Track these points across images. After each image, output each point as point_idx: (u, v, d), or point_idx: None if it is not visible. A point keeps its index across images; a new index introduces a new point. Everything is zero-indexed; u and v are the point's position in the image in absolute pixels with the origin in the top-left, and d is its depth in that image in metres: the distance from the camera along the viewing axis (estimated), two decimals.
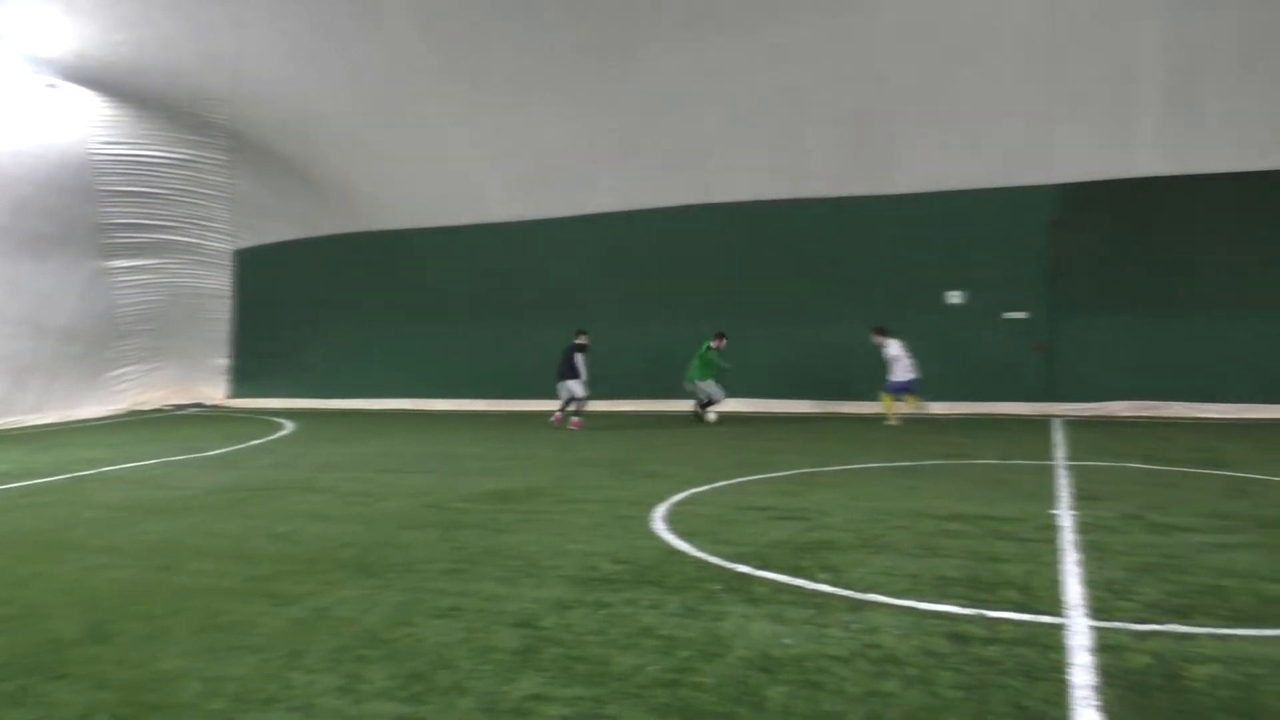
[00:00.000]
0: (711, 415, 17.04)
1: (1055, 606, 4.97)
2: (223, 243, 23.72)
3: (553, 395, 17.37)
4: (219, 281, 24.06)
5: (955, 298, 17.55)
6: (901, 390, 15.97)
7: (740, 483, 9.57)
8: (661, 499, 8.54)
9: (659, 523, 7.44)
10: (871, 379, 16.68)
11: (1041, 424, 15.19)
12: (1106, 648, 4.30)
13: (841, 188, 18.02)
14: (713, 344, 17.02)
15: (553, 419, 16.89)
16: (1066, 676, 3.96)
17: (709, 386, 17.05)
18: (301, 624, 4.97)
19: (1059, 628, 4.61)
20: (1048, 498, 8.35)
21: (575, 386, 16.63)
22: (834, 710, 3.67)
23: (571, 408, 16.76)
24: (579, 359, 16.63)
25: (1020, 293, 17.24)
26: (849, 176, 17.90)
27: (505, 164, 20.00)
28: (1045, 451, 11.74)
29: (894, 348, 15.92)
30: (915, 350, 16.13)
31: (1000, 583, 5.46)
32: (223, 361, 24.58)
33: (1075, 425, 15.07)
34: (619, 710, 3.72)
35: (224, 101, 20.24)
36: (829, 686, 3.91)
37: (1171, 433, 13.89)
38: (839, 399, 18.19)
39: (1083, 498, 8.31)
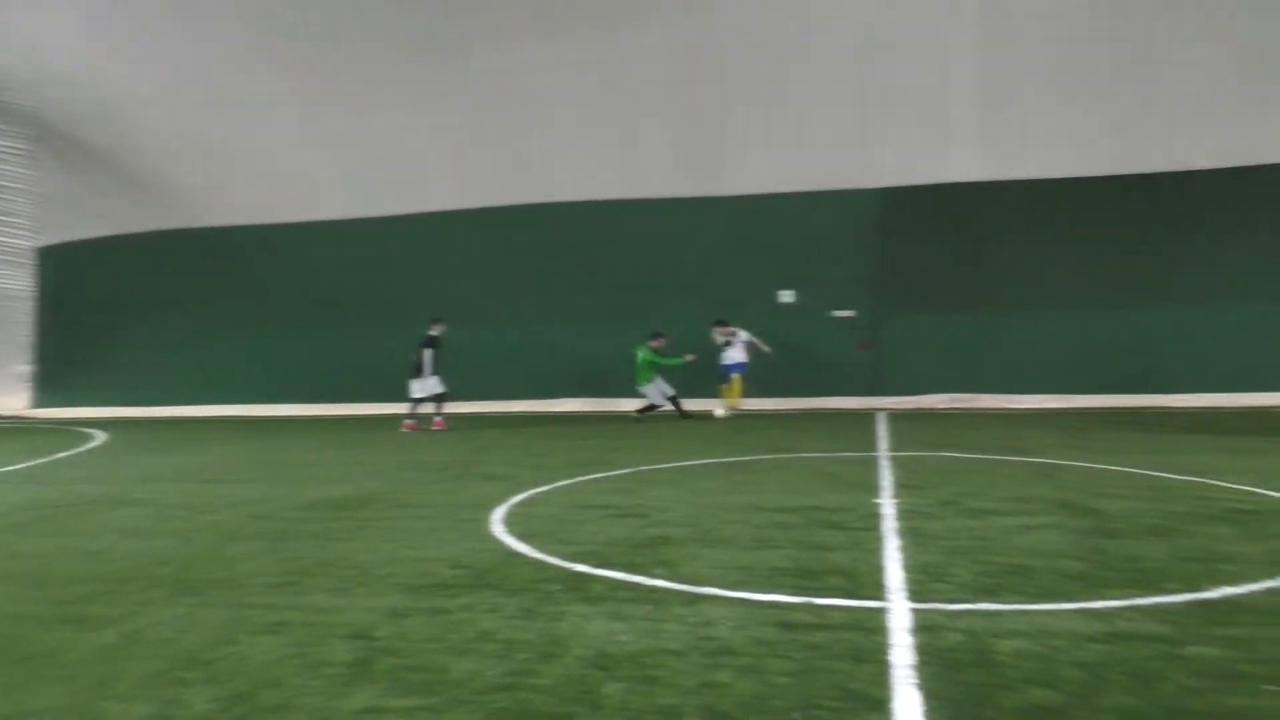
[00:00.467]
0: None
1: (878, 591, 5.21)
2: (24, 239, 21.97)
3: (394, 397, 16.95)
4: (20, 281, 22.26)
5: (786, 296, 18.18)
6: (738, 371, 16.58)
7: (579, 482, 9.60)
8: (501, 501, 8.46)
9: (498, 525, 7.37)
10: (714, 375, 17.11)
11: (867, 417, 15.92)
12: (924, 628, 4.54)
13: (677, 188, 18.39)
14: (652, 344, 16.63)
15: (433, 424, 16.28)
16: (888, 657, 4.16)
17: (651, 389, 16.65)
18: (113, 649, 4.66)
19: (882, 611, 4.84)
20: (872, 487, 8.76)
21: (419, 385, 16.10)
22: (670, 703, 3.73)
23: (419, 409, 16.28)
24: (426, 355, 16.01)
25: (848, 291, 18.04)
26: (684, 177, 18.29)
27: (339, 159, 19.40)
28: (870, 443, 12.32)
29: (744, 334, 16.63)
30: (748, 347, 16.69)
31: (828, 570, 5.69)
32: (24, 368, 22.76)
33: (897, 418, 15.87)
34: (456, 718, 3.66)
35: (22, 85, 18.76)
36: (665, 680, 3.97)
37: (983, 423, 14.83)
38: (678, 396, 18.50)
39: (903, 486, 8.76)
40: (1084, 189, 17.12)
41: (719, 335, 16.78)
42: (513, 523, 7.47)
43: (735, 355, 16.73)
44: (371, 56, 17.62)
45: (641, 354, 16.59)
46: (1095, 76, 16.06)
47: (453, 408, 18.04)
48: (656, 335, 16.73)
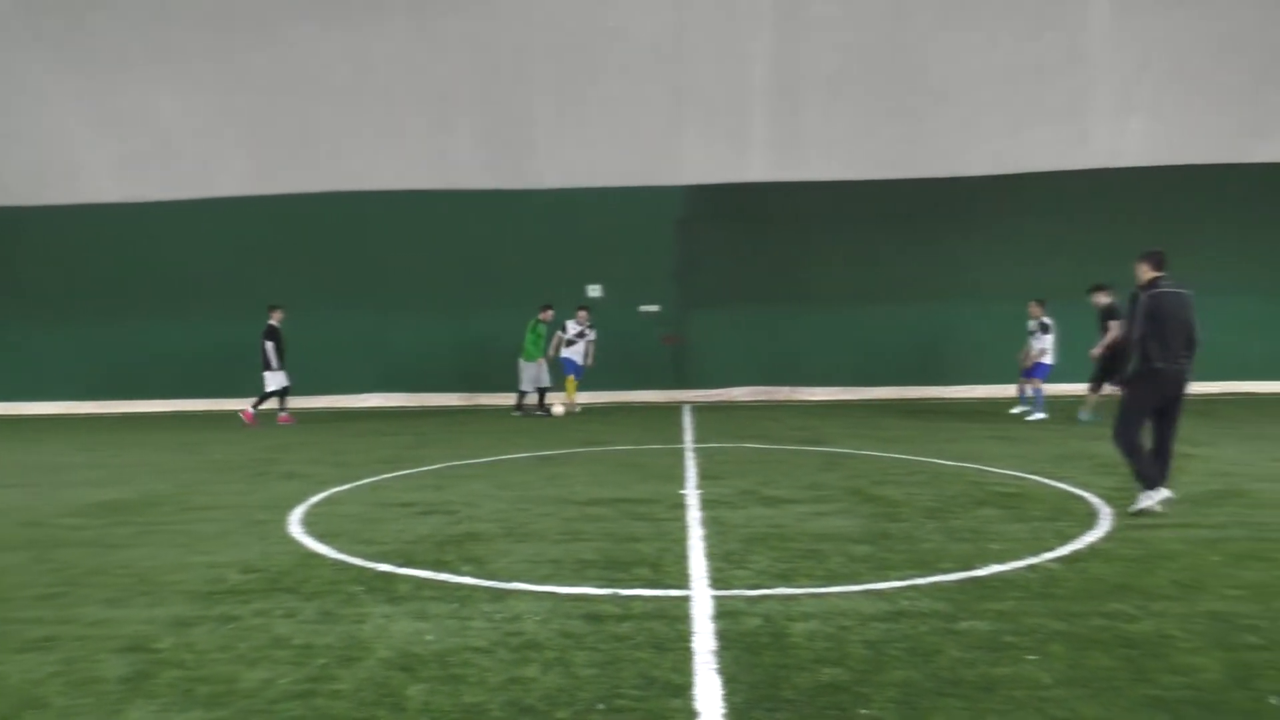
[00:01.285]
0: (559, 408, 15.63)
1: (682, 580, 5.35)
2: None
3: (177, 393, 15.91)
4: None
5: (595, 291, 18.33)
6: (577, 375, 16.32)
7: (384, 479, 9.34)
8: (299, 501, 8.11)
9: (295, 526, 7.06)
10: (513, 368, 16.99)
11: (673, 410, 16.30)
12: (724, 614, 4.70)
13: (487, 180, 18.18)
14: (540, 317, 15.67)
15: (243, 415, 15.46)
16: (690, 644, 4.27)
17: (532, 370, 15.59)
18: None
19: (685, 599, 4.97)
20: (678, 479, 8.98)
21: (265, 377, 15.29)
22: (475, 702, 3.69)
23: (268, 404, 15.53)
24: (267, 347, 15.16)
25: (654, 287, 18.39)
26: (495, 170, 18.12)
27: (113, 138, 17.97)
28: (676, 436, 12.63)
29: (593, 334, 16.28)
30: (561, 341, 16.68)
31: (634, 561, 5.78)
32: None
33: (702, 410, 16.32)
34: None
35: None
36: (470, 679, 3.92)
37: (781, 414, 15.50)
38: (486, 390, 18.34)
39: (707, 477, 9.03)
40: (871, 192, 18.23)
41: (578, 324, 16.13)
42: (312, 523, 7.18)
43: (577, 355, 16.20)
44: (156, 31, 16.44)
45: (531, 326, 15.69)
46: (879, 86, 17.12)
47: (248, 404, 17.19)
48: (545, 306, 15.84)
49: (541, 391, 15.90)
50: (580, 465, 10.10)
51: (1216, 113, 17.42)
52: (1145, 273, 7.21)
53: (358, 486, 8.93)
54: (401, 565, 5.79)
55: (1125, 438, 7.07)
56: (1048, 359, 14.54)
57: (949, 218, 18.29)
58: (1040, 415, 14.20)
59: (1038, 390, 14.57)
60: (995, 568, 5.50)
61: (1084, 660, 4.01)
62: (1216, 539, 6.16)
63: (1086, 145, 17.89)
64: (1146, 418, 7.12)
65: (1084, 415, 13.52)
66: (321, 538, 6.62)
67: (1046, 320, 14.59)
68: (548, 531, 6.71)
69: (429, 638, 4.43)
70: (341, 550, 6.22)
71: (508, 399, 17.17)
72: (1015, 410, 14.90)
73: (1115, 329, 12.75)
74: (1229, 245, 17.52)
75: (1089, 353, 13.11)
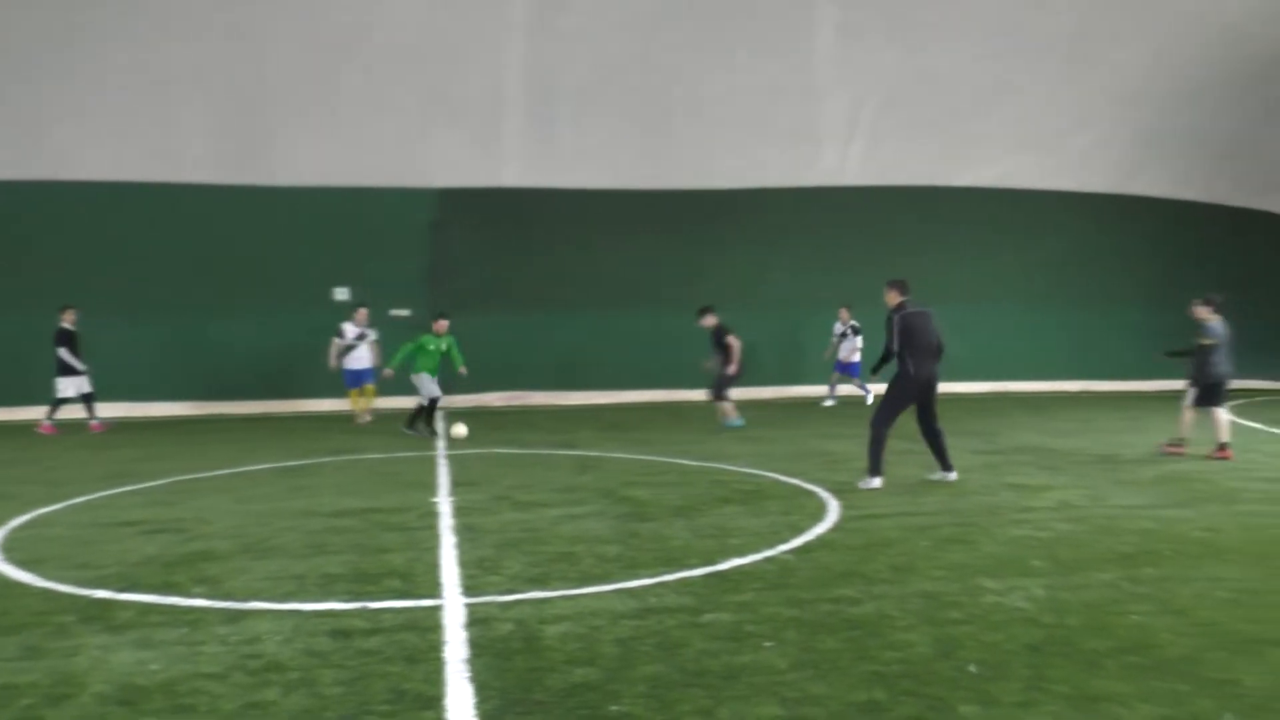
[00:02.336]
0: (460, 429, 12.42)
1: (434, 589, 5.27)
2: None
3: None
4: None
5: (342, 294, 17.64)
6: (370, 380, 15.19)
7: (104, 497, 8.54)
8: None
9: None
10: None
11: None
12: (476, 621, 4.67)
13: (218, 175, 17.03)
14: (435, 328, 13.72)
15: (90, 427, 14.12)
16: (442, 654, 4.22)
17: (424, 382, 13.47)
18: None
19: (436, 609, 4.90)
20: (430, 486, 8.83)
21: (57, 383, 14.01)
22: None
23: (85, 413, 14.17)
24: (61, 352, 13.87)
25: (405, 291, 17.94)
26: (227, 164, 17.02)
27: None
28: (428, 443, 12.40)
29: (374, 334, 15.15)
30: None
31: (384, 573, 5.63)
32: None
33: (456, 416, 16.09)
34: None
35: None
36: (202, 708, 3.67)
37: (536, 419, 15.59)
38: (220, 399, 17.17)
39: (460, 484, 8.94)
40: (622, 201, 18.76)
41: (357, 325, 14.91)
42: (13, 548, 6.45)
43: (365, 358, 15.02)
44: None
45: (433, 344, 13.63)
46: (629, 98, 17.61)
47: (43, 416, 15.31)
48: (440, 316, 13.91)
49: (433, 403, 13.80)
50: (328, 475, 9.70)
51: (924, 140, 19.27)
52: (893, 298, 8.50)
53: (71, 505, 8.11)
54: (123, 590, 5.32)
55: (878, 427, 8.32)
56: (857, 357, 16.99)
57: (695, 228, 19.11)
58: (870, 400, 16.61)
59: (863, 385, 17.19)
60: (736, 561, 5.81)
61: (814, 644, 4.32)
62: (926, 526, 6.82)
63: (816, 165, 19.28)
64: (899, 414, 8.34)
65: (735, 421, 13.62)
66: (24, 564, 5.96)
67: (856, 324, 16.99)
68: (291, 546, 6.40)
69: (154, 667, 4.11)
70: (49, 577, 5.63)
71: (246, 408, 16.21)
72: (827, 404, 17.17)
73: (735, 344, 13.19)
74: (935, 260, 19.41)
75: (727, 370, 13.40)
